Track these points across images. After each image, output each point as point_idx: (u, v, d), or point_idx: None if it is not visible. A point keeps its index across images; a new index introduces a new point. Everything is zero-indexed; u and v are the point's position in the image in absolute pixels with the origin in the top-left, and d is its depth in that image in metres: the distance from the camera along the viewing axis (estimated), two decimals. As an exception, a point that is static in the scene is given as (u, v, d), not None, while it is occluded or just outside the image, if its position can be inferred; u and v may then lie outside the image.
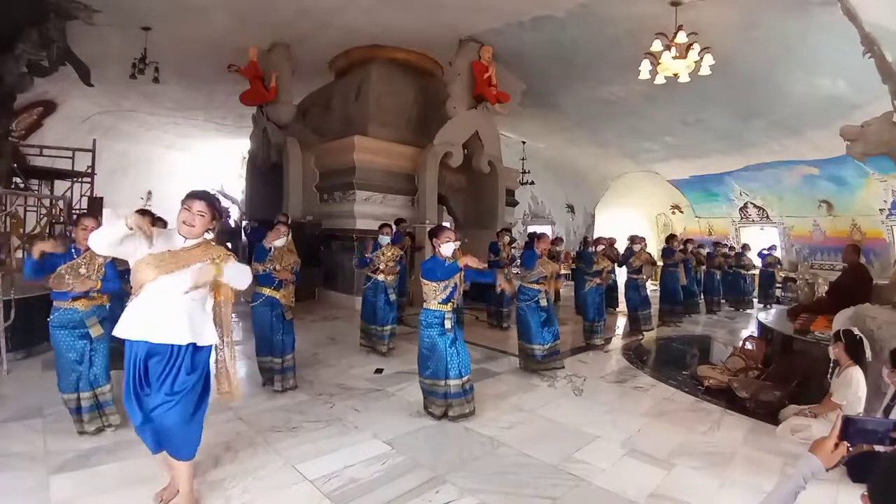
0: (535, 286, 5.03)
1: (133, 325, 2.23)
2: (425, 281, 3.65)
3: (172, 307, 2.23)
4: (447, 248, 3.65)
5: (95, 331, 3.16)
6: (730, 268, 10.74)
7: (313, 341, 5.86)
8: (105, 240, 2.14)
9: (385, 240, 5.60)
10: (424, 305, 3.71)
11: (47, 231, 8.55)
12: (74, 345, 3.10)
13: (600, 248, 6.77)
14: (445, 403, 3.64)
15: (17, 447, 2.91)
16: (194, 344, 2.29)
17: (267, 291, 4.14)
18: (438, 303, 3.64)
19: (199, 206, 2.27)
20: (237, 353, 2.73)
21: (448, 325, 3.63)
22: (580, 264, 7.60)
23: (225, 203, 14.25)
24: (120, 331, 2.24)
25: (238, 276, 2.41)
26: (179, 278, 2.22)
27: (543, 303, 5.05)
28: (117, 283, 3.24)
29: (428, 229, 4.01)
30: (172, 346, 2.24)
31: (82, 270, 3.11)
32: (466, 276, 3.79)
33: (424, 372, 3.70)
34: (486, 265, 4.18)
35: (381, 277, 5.52)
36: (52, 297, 3.14)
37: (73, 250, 3.16)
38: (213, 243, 2.42)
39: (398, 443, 3.23)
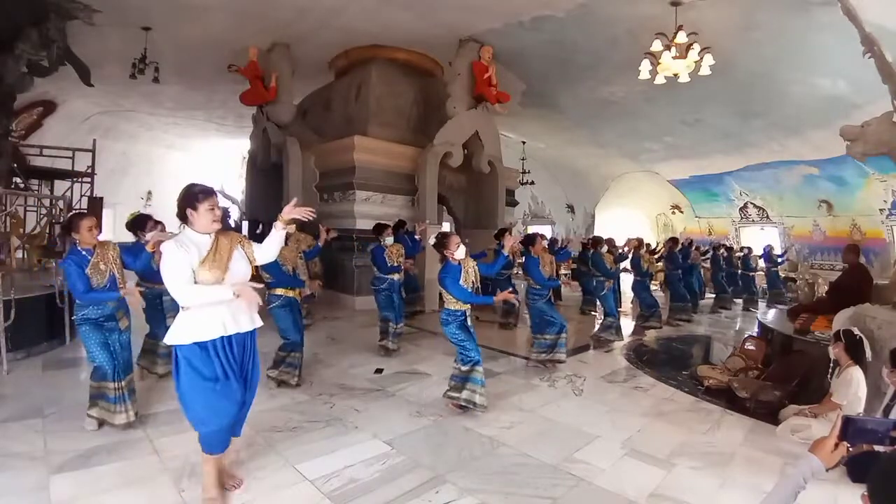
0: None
1: (214, 325, 2.31)
2: (448, 292, 3.77)
3: (235, 299, 2.32)
4: (460, 252, 3.79)
5: (123, 323, 3.32)
6: (736, 268, 10.81)
7: (313, 341, 5.85)
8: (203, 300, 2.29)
9: (389, 240, 5.62)
10: (446, 306, 3.84)
11: (47, 231, 8.55)
12: (102, 338, 3.17)
13: (603, 248, 6.83)
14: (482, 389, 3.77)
15: (17, 447, 2.91)
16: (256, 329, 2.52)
17: (282, 292, 4.17)
18: (463, 302, 3.79)
19: (216, 201, 2.42)
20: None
21: (469, 321, 3.83)
22: (584, 268, 7.71)
23: (225, 203, 14.28)
24: (204, 334, 2.29)
25: (267, 253, 2.59)
26: (233, 270, 2.36)
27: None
28: (145, 261, 3.41)
29: (432, 243, 4.07)
30: (247, 333, 2.46)
31: (102, 267, 3.16)
32: (465, 299, 3.83)
33: (471, 354, 3.77)
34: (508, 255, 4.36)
35: (396, 277, 5.57)
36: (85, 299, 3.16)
37: (83, 252, 3.14)
38: (226, 231, 2.53)
39: (398, 443, 3.23)
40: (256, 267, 4.18)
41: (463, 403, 3.72)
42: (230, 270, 2.34)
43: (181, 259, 2.23)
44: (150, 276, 3.87)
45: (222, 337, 2.33)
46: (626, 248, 7.68)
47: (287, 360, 4.22)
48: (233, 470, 2.68)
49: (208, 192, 2.36)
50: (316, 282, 4.92)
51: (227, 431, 2.41)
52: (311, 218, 2.64)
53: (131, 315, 3.47)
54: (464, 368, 3.76)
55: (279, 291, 4.16)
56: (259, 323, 2.53)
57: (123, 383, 3.19)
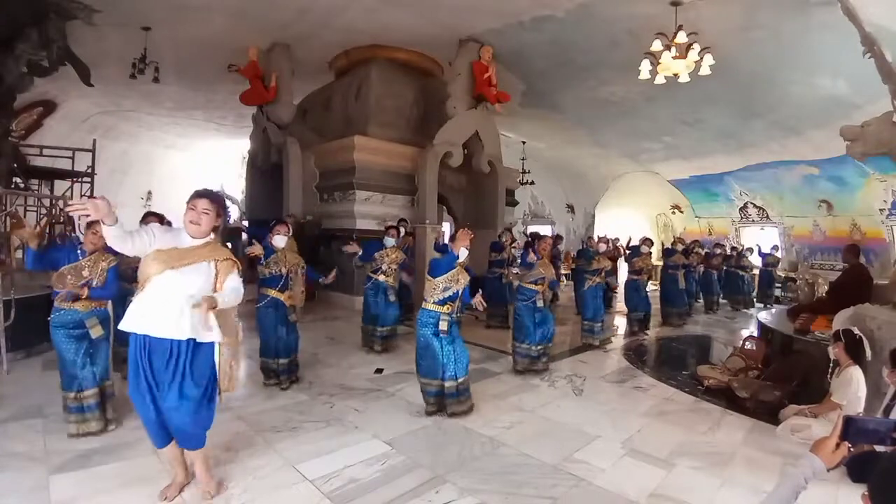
0: (533, 287, 5.04)
1: (137, 319, 2.27)
2: (429, 277, 3.75)
3: (175, 303, 2.25)
4: (463, 253, 3.77)
5: (95, 332, 3.17)
6: (729, 268, 10.81)
7: (313, 341, 5.85)
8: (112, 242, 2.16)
9: (390, 241, 5.62)
10: (423, 304, 3.77)
11: (47, 231, 8.54)
12: (75, 345, 3.11)
13: (602, 247, 6.77)
14: (437, 402, 3.70)
15: (17, 447, 2.91)
16: (194, 340, 2.32)
17: (272, 293, 4.16)
18: (434, 303, 3.70)
19: (203, 204, 2.32)
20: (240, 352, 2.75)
21: (443, 326, 3.66)
22: (580, 262, 7.64)
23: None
24: (124, 324, 2.28)
25: (231, 297, 2.38)
26: (185, 276, 2.27)
27: (540, 303, 5.07)
28: (113, 290, 3.26)
29: (441, 243, 4.07)
30: (172, 340, 2.27)
31: (85, 273, 3.13)
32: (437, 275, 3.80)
33: (419, 370, 3.75)
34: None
35: (381, 278, 5.56)
36: (52, 296, 3.15)
37: (78, 252, 3.16)
38: (219, 245, 2.46)
39: (398, 443, 3.23)
40: (254, 267, 4.19)
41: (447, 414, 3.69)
42: (180, 271, 2.25)
43: (156, 228, 2.29)
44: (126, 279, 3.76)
45: (139, 335, 2.26)
46: (627, 251, 7.67)
47: (269, 365, 4.21)
48: (206, 475, 2.51)
49: (195, 195, 2.34)
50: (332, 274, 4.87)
51: (153, 426, 2.33)
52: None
53: (108, 321, 3.29)
54: (422, 380, 3.74)
55: (269, 292, 4.15)
56: (209, 338, 2.34)
57: (91, 392, 3.10)
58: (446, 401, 3.67)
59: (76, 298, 3.10)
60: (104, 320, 3.25)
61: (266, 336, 4.19)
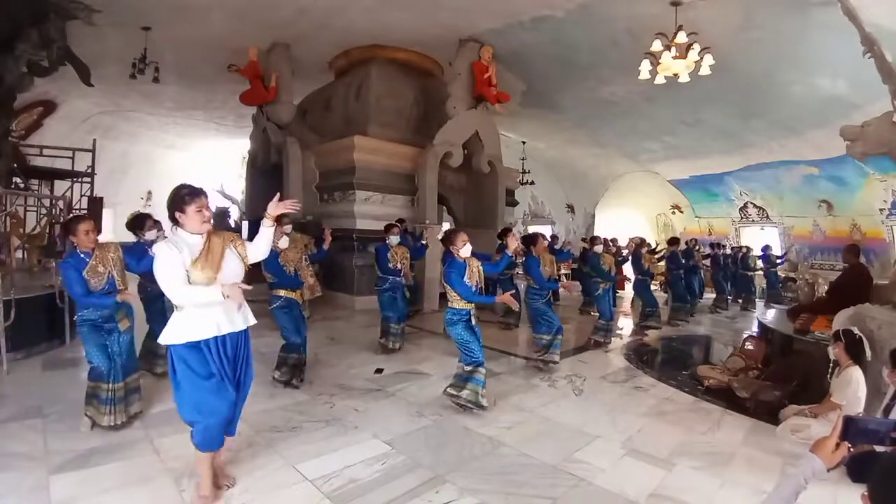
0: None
1: (208, 324, 2.33)
2: (447, 285, 3.79)
3: (226, 300, 2.32)
4: (466, 250, 3.82)
5: (124, 324, 3.29)
6: (735, 267, 10.83)
7: (313, 341, 5.82)
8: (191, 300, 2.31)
9: (394, 239, 5.62)
10: (450, 305, 3.83)
11: (47, 231, 8.54)
12: (101, 339, 3.17)
13: (599, 248, 6.74)
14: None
15: (17, 447, 2.91)
16: (247, 330, 2.54)
17: (284, 293, 4.18)
18: (467, 301, 3.77)
19: (205, 199, 2.40)
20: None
21: (474, 321, 3.82)
22: (585, 268, 7.71)
23: (224, 202, 14.28)
24: (197, 333, 2.31)
25: (258, 251, 2.55)
26: (224, 273, 2.36)
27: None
28: (147, 263, 3.27)
29: (440, 237, 4.11)
30: (241, 332, 2.48)
31: (100, 269, 3.14)
32: (468, 296, 3.82)
33: (470, 361, 3.77)
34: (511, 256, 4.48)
35: (398, 277, 5.58)
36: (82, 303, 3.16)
37: (82, 255, 3.14)
38: (218, 230, 2.52)
39: (398, 443, 3.23)
40: (259, 267, 4.22)
41: (463, 402, 3.72)
42: (222, 270, 2.34)
43: (174, 259, 2.24)
44: (153, 277, 3.87)
45: (216, 337, 2.35)
46: (626, 251, 7.68)
47: (288, 361, 4.23)
48: (227, 469, 2.68)
49: (196, 193, 2.35)
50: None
51: (219, 429, 2.40)
52: (296, 210, 2.63)
53: (135, 315, 3.47)
54: (467, 368, 3.76)
55: (280, 292, 4.17)
56: (252, 321, 2.54)
57: (119, 385, 3.18)
58: (481, 391, 3.72)
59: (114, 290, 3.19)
60: (129, 314, 3.40)
61: (290, 334, 4.22)
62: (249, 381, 2.58)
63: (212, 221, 2.44)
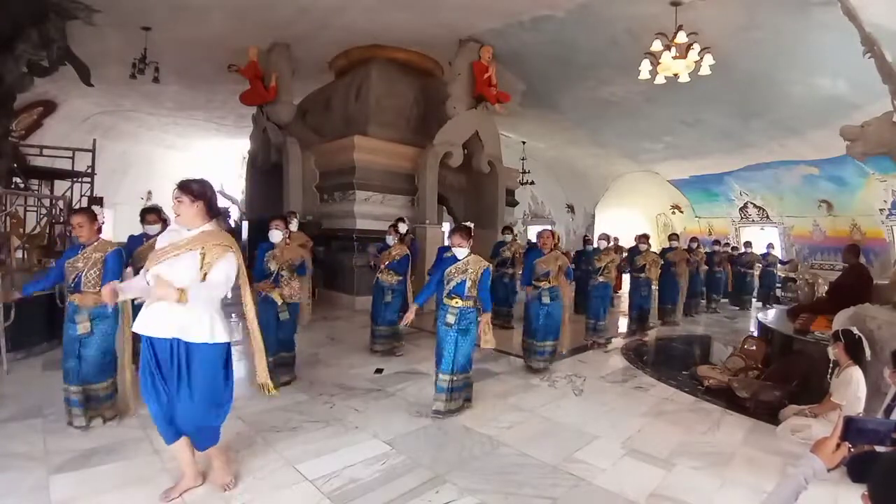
0: (539, 283, 5.09)
1: (140, 321, 2.32)
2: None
3: (168, 303, 2.21)
4: (459, 251, 3.81)
5: (82, 328, 3.13)
6: (732, 265, 10.82)
7: (313, 341, 5.86)
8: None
9: (390, 239, 5.63)
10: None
11: (47, 231, 8.54)
12: (69, 337, 3.17)
13: (603, 244, 6.70)
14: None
15: (17, 447, 2.91)
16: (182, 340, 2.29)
17: (260, 287, 4.15)
18: (445, 296, 3.76)
19: (175, 193, 2.30)
20: (237, 353, 2.75)
21: (450, 319, 3.69)
22: (582, 263, 7.69)
23: (223, 202, 14.27)
24: (135, 325, 2.34)
25: (206, 288, 2.25)
26: (172, 269, 2.24)
27: (546, 300, 5.07)
28: (115, 276, 3.19)
29: (448, 232, 4.10)
30: (172, 341, 2.28)
31: (79, 264, 3.16)
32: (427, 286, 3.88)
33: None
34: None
35: (381, 277, 5.57)
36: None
37: (76, 247, 3.24)
38: (217, 231, 2.38)
39: (398, 443, 3.23)
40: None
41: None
42: (159, 265, 2.24)
43: (159, 238, 2.39)
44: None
45: (144, 335, 2.33)
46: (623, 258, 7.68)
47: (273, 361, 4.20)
48: (227, 469, 2.60)
49: (178, 185, 2.31)
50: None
51: (158, 421, 2.34)
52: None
53: (107, 321, 3.22)
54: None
55: (258, 287, 4.14)
56: (198, 338, 2.27)
57: (76, 388, 3.11)
58: (434, 395, 3.69)
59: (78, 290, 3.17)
60: (97, 317, 3.18)
61: (264, 332, 4.18)
62: (189, 402, 2.28)
63: (207, 225, 2.34)
